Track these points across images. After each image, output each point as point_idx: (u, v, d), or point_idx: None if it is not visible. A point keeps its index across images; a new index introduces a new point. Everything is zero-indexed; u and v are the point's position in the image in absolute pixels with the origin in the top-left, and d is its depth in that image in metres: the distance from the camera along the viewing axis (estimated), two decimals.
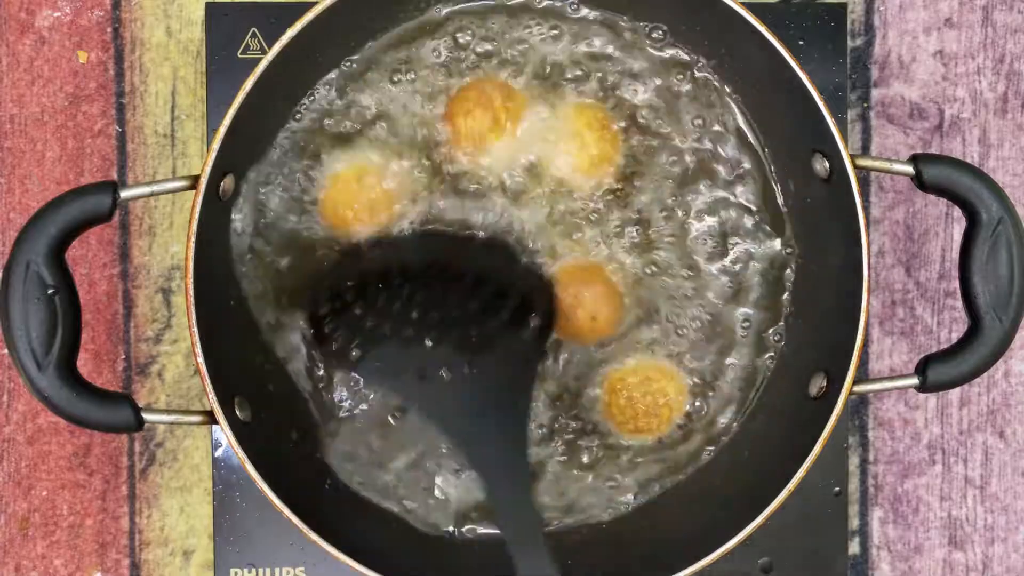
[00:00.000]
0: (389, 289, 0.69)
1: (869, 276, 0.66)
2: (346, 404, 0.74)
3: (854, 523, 0.80)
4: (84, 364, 0.77)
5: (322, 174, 0.74)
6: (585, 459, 0.75)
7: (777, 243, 0.75)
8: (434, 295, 0.68)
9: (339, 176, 0.73)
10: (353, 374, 0.70)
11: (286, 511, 0.66)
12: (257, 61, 0.66)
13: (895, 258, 0.81)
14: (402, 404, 0.71)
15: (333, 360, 0.70)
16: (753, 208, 0.75)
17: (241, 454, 0.66)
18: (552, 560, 0.63)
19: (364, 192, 0.73)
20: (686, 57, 0.75)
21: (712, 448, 0.75)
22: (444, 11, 0.75)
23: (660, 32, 0.75)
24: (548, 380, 0.74)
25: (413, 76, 0.74)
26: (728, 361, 0.75)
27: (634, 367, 0.75)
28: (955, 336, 0.78)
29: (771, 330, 0.75)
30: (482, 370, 0.67)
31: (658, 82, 0.75)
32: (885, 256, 0.81)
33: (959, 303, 0.69)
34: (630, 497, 0.75)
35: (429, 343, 0.68)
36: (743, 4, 0.67)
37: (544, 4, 0.75)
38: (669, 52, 0.75)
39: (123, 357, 0.79)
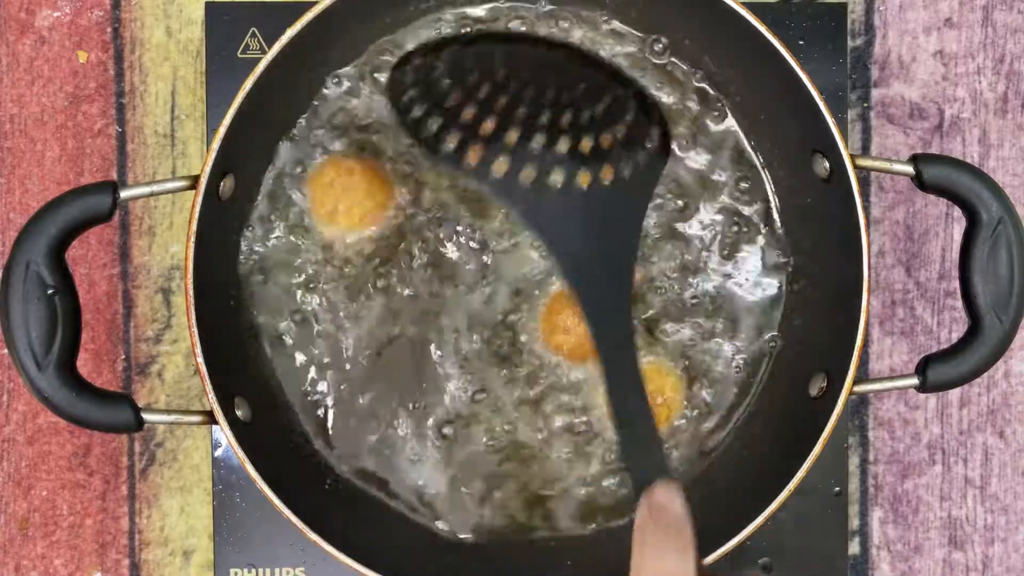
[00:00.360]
0: (489, 81, 0.62)
1: (869, 276, 0.66)
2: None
3: (854, 523, 0.80)
4: (84, 364, 0.77)
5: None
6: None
7: (777, 243, 0.75)
8: (540, 98, 0.62)
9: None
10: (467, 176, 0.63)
11: (286, 511, 0.66)
12: (257, 61, 0.66)
13: (895, 258, 0.81)
14: (512, 212, 0.66)
15: (433, 152, 0.63)
16: (753, 208, 0.75)
17: (241, 454, 0.66)
18: (644, 392, 0.57)
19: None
20: (683, 67, 0.75)
21: (712, 448, 0.75)
22: (448, 14, 0.75)
23: (660, 42, 0.75)
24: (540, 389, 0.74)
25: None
26: (727, 361, 0.75)
27: None
28: (955, 336, 0.78)
29: (771, 330, 0.75)
30: (594, 188, 0.61)
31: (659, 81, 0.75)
32: (885, 256, 0.81)
33: (959, 303, 0.69)
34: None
35: (537, 146, 0.61)
36: (743, 4, 0.67)
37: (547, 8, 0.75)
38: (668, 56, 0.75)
39: (123, 357, 0.79)
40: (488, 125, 0.61)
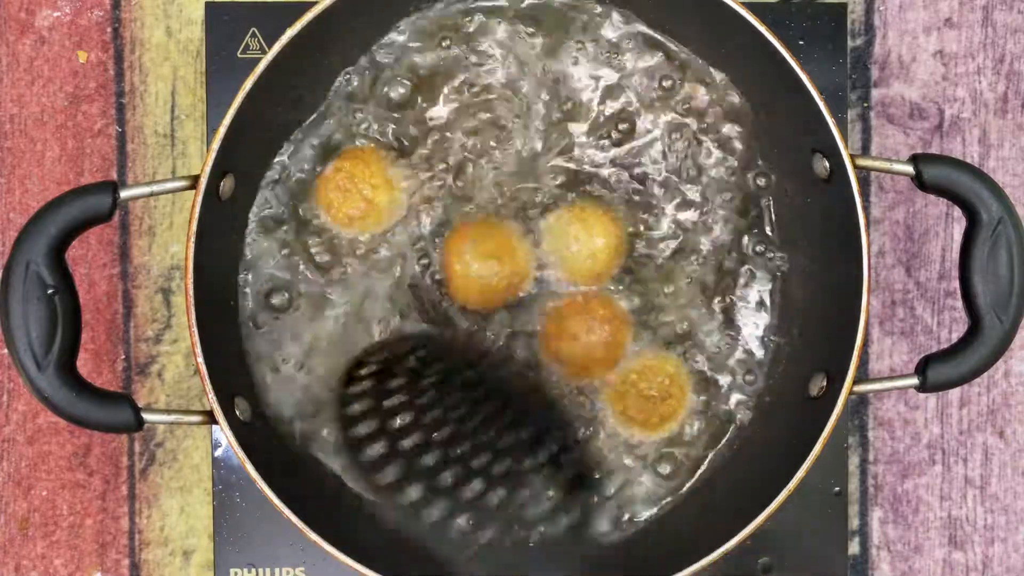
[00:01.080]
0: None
1: (869, 276, 0.66)
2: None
3: (854, 523, 0.80)
4: (84, 364, 0.77)
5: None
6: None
7: (777, 243, 0.75)
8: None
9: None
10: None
11: (286, 511, 0.66)
12: (257, 61, 0.66)
13: (895, 258, 0.81)
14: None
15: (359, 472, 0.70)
16: (752, 207, 0.75)
17: (241, 454, 0.66)
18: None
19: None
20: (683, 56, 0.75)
21: (712, 448, 0.75)
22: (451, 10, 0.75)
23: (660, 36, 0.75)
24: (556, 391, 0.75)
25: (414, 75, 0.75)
26: (728, 361, 0.75)
27: (637, 366, 0.75)
28: (955, 336, 0.78)
29: (771, 330, 0.75)
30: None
31: (658, 81, 0.75)
32: (885, 256, 0.81)
33: (959, 303, 0.69)
34: None
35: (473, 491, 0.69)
36: (743, 4, 0.67)
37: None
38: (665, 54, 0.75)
39: (123, 357, 0.79)
40: (429, 458, 0.69)
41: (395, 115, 0.74)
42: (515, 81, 0.74)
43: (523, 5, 0.74)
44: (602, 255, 0.73)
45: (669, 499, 0.75)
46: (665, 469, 0.75)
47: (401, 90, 0.74)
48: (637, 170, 0.75)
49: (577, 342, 0.73)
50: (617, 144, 0.75)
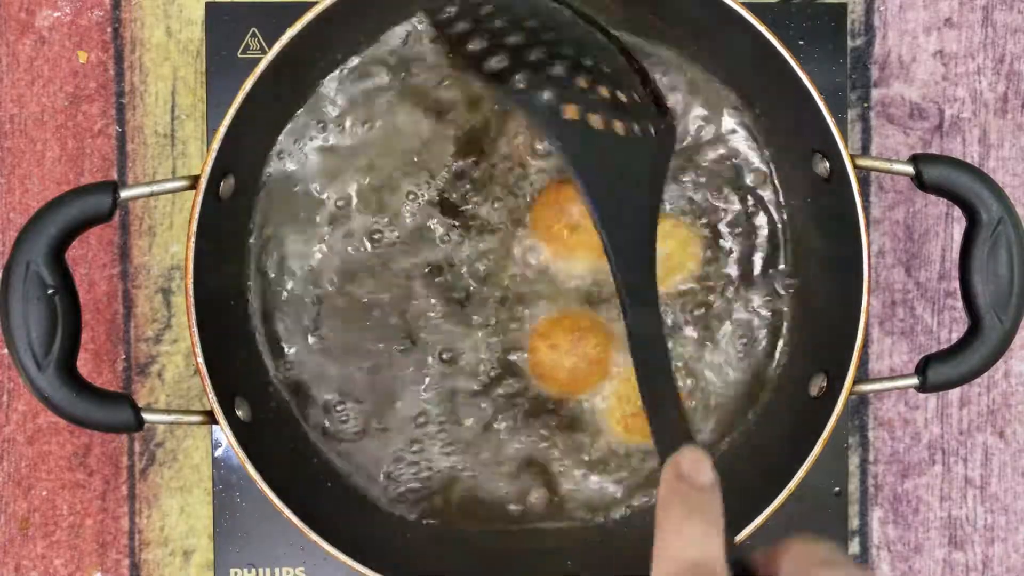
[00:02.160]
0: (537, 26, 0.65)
1: (869, 276, 0.66)
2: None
3: (854, 523, 0.80)
4: (84, 364, 0.77)
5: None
6: (586, 457, 0.75)
7: (777, 242, 0.75)
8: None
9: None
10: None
11: (286, 511, 0.66)
12: (257, 61, 0.66)
13: (895, 258, 0.81)
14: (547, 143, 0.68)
15: (474, 68, 0.64)
16: (752, 207, 0.75)
17: (241, 454, 0.66)
18: (660, 331, 0.58)
19: None
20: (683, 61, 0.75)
21: (711, 448, 0.75)
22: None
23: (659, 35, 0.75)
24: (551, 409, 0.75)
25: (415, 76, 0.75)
26: (728, 361, 0.75)
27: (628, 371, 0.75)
28: (955, 336, 0.78)
29: (771, 330, 0.75)
30: (628, 137, 0.63)
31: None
32: (885, 256, 0.81)
33: (959, 303, 0.69)
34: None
35: (583, 85, 0.63)
36: (743, 4, 0.67)
37: None
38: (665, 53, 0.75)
39: (123, 357, 0.79)
40: (537, 53, 0.62)
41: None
42: None
43: None
44: None
45: None
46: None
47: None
48: None
49: (566, 355, 0.73)
50: None
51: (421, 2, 0.69)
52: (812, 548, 0.43)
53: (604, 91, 0.64)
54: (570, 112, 0.62)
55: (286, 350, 0.74)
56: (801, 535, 0.44)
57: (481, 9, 0.65)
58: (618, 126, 0.63)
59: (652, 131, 0.64)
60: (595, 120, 0.63)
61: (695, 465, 0.44)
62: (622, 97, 0.64)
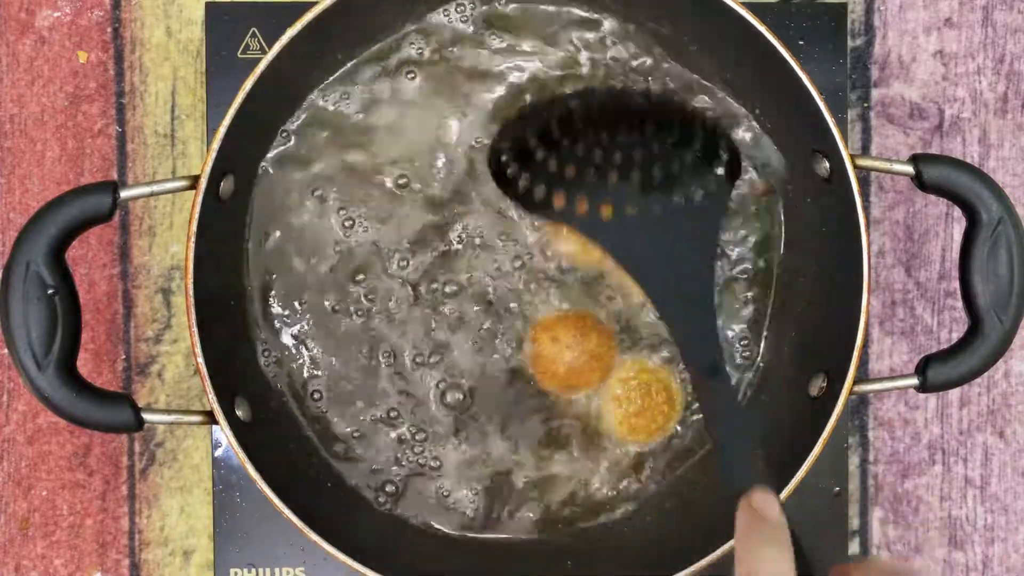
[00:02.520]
0: (568, 135, 0.67)
1: (869, 276, 0.66)
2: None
3: (854, 523, 0.80)
4: (84, 364, 0.77)
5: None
6: (588, 457, 0.75)
7: (777, 243, 0.75)
8: (609, 139, 0.67)
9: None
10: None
11: (286, 511, 0.66)
12: (257, 61, 0.66)
13: (895, 258, 0.81)
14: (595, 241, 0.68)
15: (527, 206, 0.68)
16: (752, 207, 0.75)
17: (241, 454, 0.66)
18: (732, 394, 0.63)
19: None
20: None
21: (712, 448, 0.75)
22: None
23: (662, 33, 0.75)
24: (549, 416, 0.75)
25: (416, 77, 0.75)
26: (728, 360, 0.75)
27: (631, 371, 0.75)
28: (955, 336, 0.78)
29: (771, 330, 0.75)
30: (667, 209, 0.65)
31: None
32: (885, 256, 0.81)
33: (959, 303, 0.69)
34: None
35: (614, 180, 0.65)
36: (743, 5, 0.67)
37: None
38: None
39: (123, 357, 0.79)
40: (570, 171, 0.65)
41: None
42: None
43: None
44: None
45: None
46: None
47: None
48: None
49: (567, 353, 0.73)
50: None
51: (488, 164, 0.72)
52: (886, 566, 0.53)
53: (636, 177, 0.65)
54: (605, 213, 0.65)
55: (286, 350, 0.74)
56: (879, 556, 0.52)
57: (523, 136, 0.68)
58: (655, 206, 0.65)
59: (700, 192, 0.65)
60: (630, 211, 0.65)
61: (766, 503, 0.53)
62: (658, 172, 0.65)
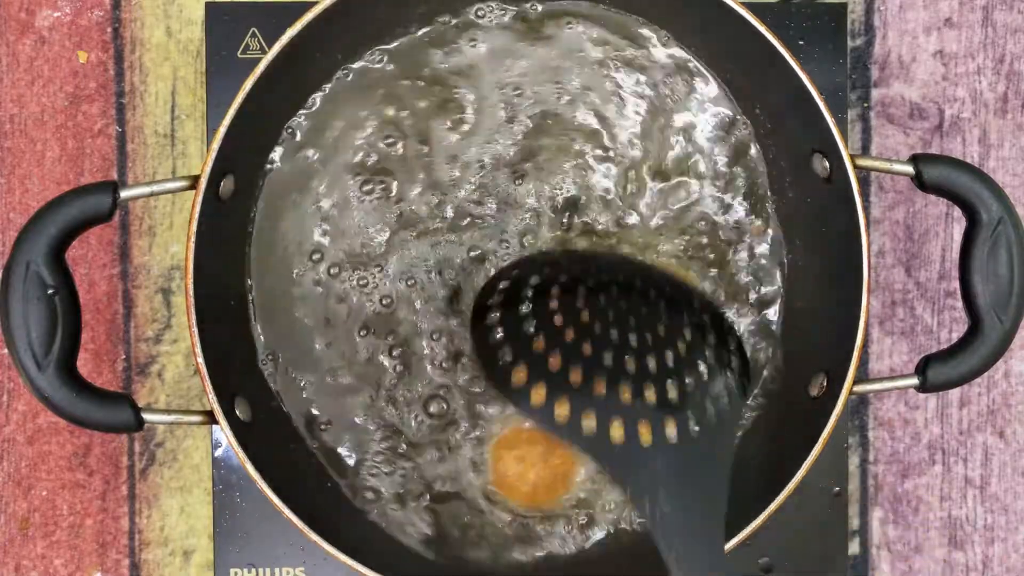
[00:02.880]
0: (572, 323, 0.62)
1: (869, 276, 0.66)
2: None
3: (854, 523, 0.80)
4: (84, 364, 0.77)
5: None
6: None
7: (777, 243, 0.75)
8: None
9: None
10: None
11: (286, 511, 0.66)
12: (257, 61, 0.66)
13: (895, 258, 0.81)
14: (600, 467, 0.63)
15: (535, 417, 0.61)
16: (752, 207, 0.75)
17: (241, 454, 0.66)
18: None
19: None
20: (687, 58, 0.75)
21: None
22: (452, 21, 0.74)
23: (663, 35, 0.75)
24: None
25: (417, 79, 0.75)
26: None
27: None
28: (955, 336, 0.78)
29: (771, 330, 0.75)
30: (682, 441, 0.59)
31: (658, 79, 0.75)
32: (885, 256, 0.81)
33: (959, 303, 0.69)
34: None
35: (627, 399, 0.60)
36: (743, 4, 0.67)
37: None
38: (670, 51, 0.75)
39: (123, 357, 0.79)
40: (576, 376, 0.60)
41: None
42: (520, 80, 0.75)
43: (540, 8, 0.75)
44: None
45: None
46: None
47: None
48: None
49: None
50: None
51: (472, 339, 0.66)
52: None
53: (650, 394, 0.61)
54: (616, 433, 0.60)
55: (286, 350, 0.74)
56: None
57: (519, 314, 0.63)
58: (670, 431, 0.60)
59: (713, 415, 0.62)
60: (644, 436, 0.60)
61: None
62: (672, 394, 0.61)
